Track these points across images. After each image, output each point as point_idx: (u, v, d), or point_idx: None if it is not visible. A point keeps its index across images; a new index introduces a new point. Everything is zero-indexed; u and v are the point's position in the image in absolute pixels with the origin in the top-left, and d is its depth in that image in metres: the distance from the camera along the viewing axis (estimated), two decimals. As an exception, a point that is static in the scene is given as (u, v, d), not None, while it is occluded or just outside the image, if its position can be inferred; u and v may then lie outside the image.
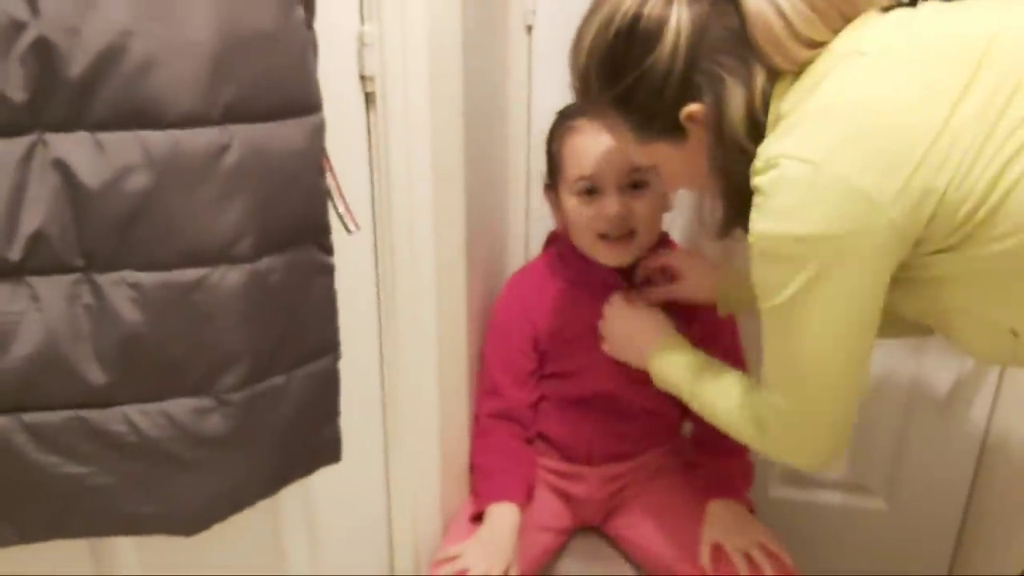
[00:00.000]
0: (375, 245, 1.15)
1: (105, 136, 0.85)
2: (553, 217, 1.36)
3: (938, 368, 1.51)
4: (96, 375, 0.91)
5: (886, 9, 0.87)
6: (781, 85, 0.85)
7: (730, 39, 0.86)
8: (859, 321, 0.84)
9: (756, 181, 0.82)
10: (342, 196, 1.01)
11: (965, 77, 0.76)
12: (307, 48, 0.92)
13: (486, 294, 1.38)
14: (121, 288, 0.89)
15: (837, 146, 0.78)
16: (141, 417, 0.93)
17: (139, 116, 0.84)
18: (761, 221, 0.82)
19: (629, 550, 1.37)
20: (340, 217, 1.01)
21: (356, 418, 1.15)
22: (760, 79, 0.85)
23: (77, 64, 0.82)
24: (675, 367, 1.12)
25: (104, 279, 0.89)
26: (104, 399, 0.92)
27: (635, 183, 1.23)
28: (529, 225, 1.55)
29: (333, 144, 0.98)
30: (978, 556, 1.58)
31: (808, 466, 0.96)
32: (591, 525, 1.42)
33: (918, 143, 0.76)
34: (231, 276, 0.91)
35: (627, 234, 1.25)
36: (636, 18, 0.87)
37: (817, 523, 1.67)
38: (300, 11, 0.90)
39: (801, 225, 0.79)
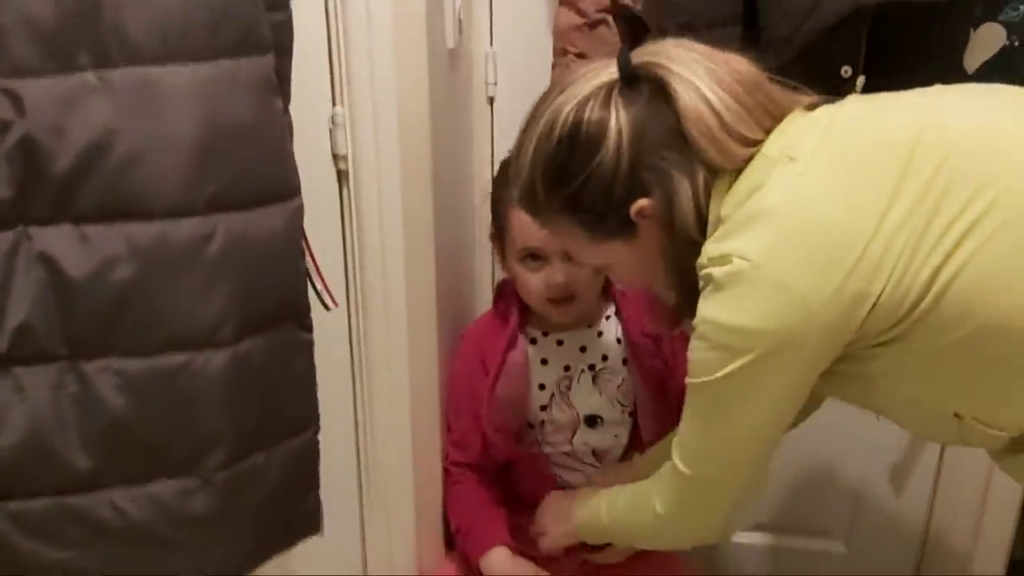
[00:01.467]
0: (348, 317, 1.18)
1: (90, 229, 0.87)
2: (499, 262, 1.38)
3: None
4: (81, 461, 0.92)
5: (812, 107, 0.90)
6: (721, 184, 0.87)
7: (670, 135, 0.87)
8: (782, 410, 0.88)
9: (707, 272, 0.84)
10: (320, 274, 1.04)
11: (893, 181, 0.78)
12: (285, 135, 0.96)
13: (452, 348, 1.42)
14: (106, 375, 0.91)
15: (774, 248, 0.80)
16: (127, 501, 0.95)
17: (124, 209, 0.87)
18: (709, 308, 0.85)
19: None
20: (318, 295, 1.04)
21: (332, 486, 1.17)
22: (701, 174, 0.87)
23: (62, 161, 0.85)
24: (593, 515, 1.16)
25: (89, 367, 0.91)
26: (89, 484, 0.93)
27: None
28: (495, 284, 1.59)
29: (308, 223, 1.01)
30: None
31: (703, 538, 1.00)
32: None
33: (850, 250, 0.78)
34: (214, 360, 0.93)
35: (569, 297, 1.28)
36: (577, 123, 0.89)
37: (779, 567, 1.72)
38: (279, 101, 0.93)
39: (746, 318, 0.82)
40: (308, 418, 1.06)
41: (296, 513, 1.10)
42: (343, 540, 1.27)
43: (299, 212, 0.97)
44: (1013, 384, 0.81)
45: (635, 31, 1.32)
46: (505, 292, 1.41)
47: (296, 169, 0.97)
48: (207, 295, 0.91)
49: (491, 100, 1.48)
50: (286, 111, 0.97)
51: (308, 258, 1.01)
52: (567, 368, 1.36)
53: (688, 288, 0.89)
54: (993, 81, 1.31)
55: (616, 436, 1.36)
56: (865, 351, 0.84)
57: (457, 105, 1.40)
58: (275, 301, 0.97)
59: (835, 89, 1.25)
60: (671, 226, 0.89)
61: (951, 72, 1.28)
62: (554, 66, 1.34)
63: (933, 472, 1.58)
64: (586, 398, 1.36)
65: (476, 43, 1.45)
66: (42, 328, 0.88)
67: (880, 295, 0.78)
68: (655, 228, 0.90)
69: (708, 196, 0.87)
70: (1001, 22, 1.28)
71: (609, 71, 0.90)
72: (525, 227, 1.22)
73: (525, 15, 1.45)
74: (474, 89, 1.47)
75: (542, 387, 1.36)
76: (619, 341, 1.35)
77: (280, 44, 0.95)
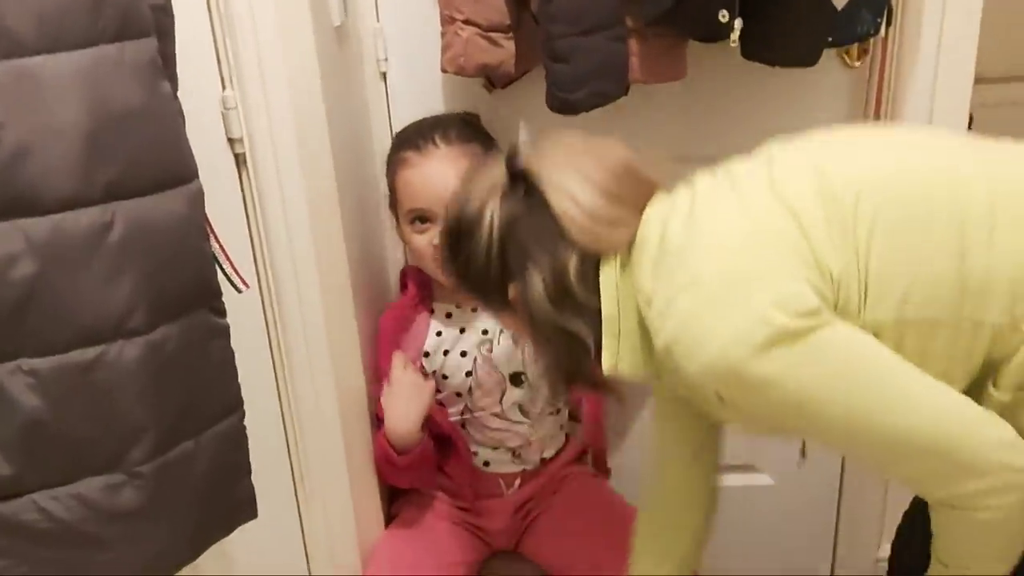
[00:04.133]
0: (262, 298, 1.18)
1: (-15, 227, 0.85)
2: (396, 231, 1.44)
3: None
4: (1, 466, 0.90)
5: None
6: (609, 266, 0.96)
7: (544, 230, 0.96)
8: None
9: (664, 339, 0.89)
10: (228, 258, 1.03)
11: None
12: (176, 118, 0.95)
13: (374, 329, 1.43)
14: (17, 376, 0.89)
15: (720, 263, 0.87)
16: (51, 502, 0.93)
17: (16, 205, 0.85)
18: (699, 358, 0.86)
19: (545, 568, 1.44)
20: (228, 278, 1.03)
21: (265, 471, 1.17)
22: (573, 261, 0.95)
23: (-55, 160, 0.82)
24: None
25: (-2, 369, 0.89)
26: (11, 489, 0.91)
27: None
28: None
29: (210, 208, 1.00)
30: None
31: None
32: (504, 550, 1.48)
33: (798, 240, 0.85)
34: (128, 351, 0.92)
35: None
36: (460, 211, 1.02)
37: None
38: (166, 84, 0.93)
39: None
40: (232, 403, 1.06)
41: (230, 500, 1.09)
42: (280, 523, 1.28)
43: (199, 195, 0.96)
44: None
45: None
46: (408, 276, 1.46)
47: (191, 152, 0.96)
48: (113, 285, 0.89)
49: (384, 76, 1.49)
50: (175, 96, 0.96)
51: (213, 241, 1.01)
52: (485, 332, 1.40)
53: (559, 360, 1.02)
54: (861, 12, 1.38)
55: (539, 389, 1.40)
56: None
57: (350, 83, 1.40)
58: (184, 286, 0.96)
59: (714, 34, 1.31)
60: (529, 310, 0.98)
61: (822, 12, 1.34)
62: (443, 35, 1.35)
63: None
64: (509, 358, 1.39)
65: (363, 20, 1.45)
66: (-56, 335, 0.86)
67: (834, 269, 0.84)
68: (524, 312, 0.99)
69: (588, 280, 0.96)
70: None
71: (497, 169, 1.01)
72: (411, 187, 1.34)
73: (409, -12, 1.46)
74: (365, 66, 1.47)
75: (463, 354, 1.38)
76: None
77: (161, 27, 0.94)
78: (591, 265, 0.96)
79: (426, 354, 1.42)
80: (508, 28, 1.34)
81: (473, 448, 1.46)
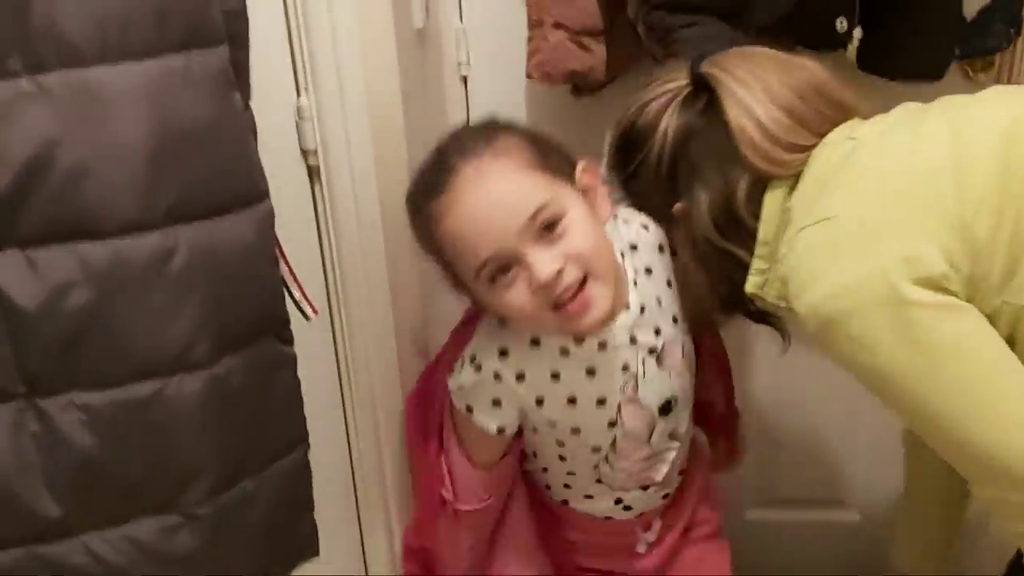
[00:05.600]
0: (332, 324, 1.10)
1: (38, 253, 0.79)
2: (467, 303, 1.07)
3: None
4: (49, 507, 0.85)
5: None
6: (776, 189, 0.91)
7: (718, 146, 0.92)
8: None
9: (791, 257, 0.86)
10: (297, 282, 0.96)
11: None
12: (247, 134, 0.88)
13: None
14: (69, 411, 0.83)
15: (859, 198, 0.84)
16: (103, 545, 0.87)
17: (74, 229, 0.79)
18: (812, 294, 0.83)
19: None
20: (296, 304, 0.96)
21: (328, 505, 1.10)
22: (743, 184, 0.91)
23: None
24: None
25: (50, 403, 0.83)
26: (60, 531, 0.86)
27: (547, 223, 0.91)
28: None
29: (280, 225, 0.93)
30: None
31: None
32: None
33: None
34: (189, 385, 0.85)
35: (581, 282, 0.92)
36: (632, 122, 0.98)
37: (794, 541, 1.67)
38: (237, 97, 0.85)
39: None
40: (297, 436, 0.99)
41: (291, 537, 1.03)
42: (342, 558, 1.20)
43: (269, 217, 0.89)
44: None
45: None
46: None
47: (262, 170, 0.89)
48: (174, 315, 0.83)
49: (464, 80, 1.40)
50: (247, 107, 0.89)
51: (283, 265, 0.94)
52: (625, 368, 1.06)
53: (723, 287, 0.97)
54: (995, 24, 1.26)
55: (687, 404, 1.14)
56: None
57: (428, 88, 1.32)
58: (250, 315, 0.90)
59: (831, 43, 1.20)
60: (691, 230, 0.95)
61: (949, 22, 1.22)
62: (530, 39, 1.26)
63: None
64: (658, 389, 1.09)
65: (445, 21, 1.36)
66: (-6, 365, 0.80)
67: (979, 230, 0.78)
68: (687, 228, 0.97)
69: (755, 204, 0.91)
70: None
71: (681, 77, 0.96)
72: (462, 240, 0.93)
73: (494, -13, 1.37)
74: (445, 70, 1.38)
75: (601, 403, 1.07)
76: (667, 286, 1.09)
77: (234, 34, 0.87)
78: (760, 188, 0.92)
79: (539, 402, 1.05)
80: (600, 32, 1.25)
81: (615, 495, 1.16)
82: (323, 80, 1.01)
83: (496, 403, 1.05)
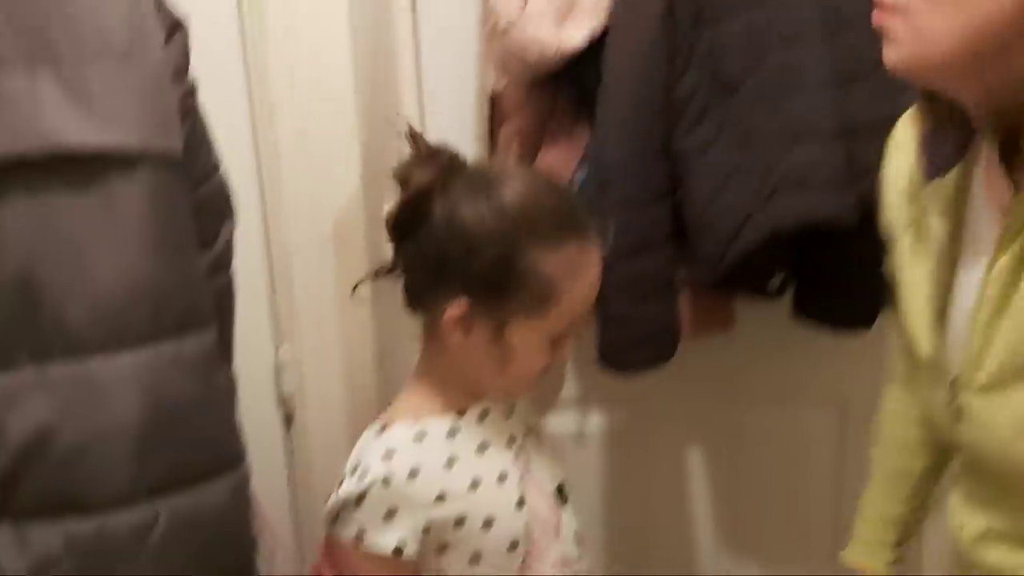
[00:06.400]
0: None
1: (30, 527, 0.81)
2: (453, 343, 1.02)
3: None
4: None
5: None
6: None
7: None
8: None
9: None
10: (272, 533, 1.00)
11: None
12: (229, 404, 0.94)
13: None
14: None
15: None
16: None
17: (65, 504, 0.82)
18: None
19: None
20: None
21: None
22: None
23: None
24: None
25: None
26: None
27: None
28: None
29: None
30: None
31: None
32: None
33: None
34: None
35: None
36: None
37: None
38: (221, 373, 0.92)
39: None
40: None
41: None
42: None
43: (244, 481, 0.93)
44: None
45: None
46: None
47: (239, 435, 0.93)
48: (150, 584, 0.86)
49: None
50: (230, 376, 0.95)
51: (259, 520, 0.98)
52: (512, 440, 1.06)
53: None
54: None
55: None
56: None
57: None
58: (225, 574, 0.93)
59: (768, 294, 1.30)
60: None
61: (878, 276, 1.32)
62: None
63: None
64: (547, 466, 1.09)
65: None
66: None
67: None
68: None
69: None
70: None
71: None
72: (588, 299, 1.02)
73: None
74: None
75: (503, 479, 1.03)
76: None
77: (223, 306, 0.94)
78: None
79: (439, 498, 0.99)
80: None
81: None
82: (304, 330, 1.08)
83: (390, 515, 0.97)
